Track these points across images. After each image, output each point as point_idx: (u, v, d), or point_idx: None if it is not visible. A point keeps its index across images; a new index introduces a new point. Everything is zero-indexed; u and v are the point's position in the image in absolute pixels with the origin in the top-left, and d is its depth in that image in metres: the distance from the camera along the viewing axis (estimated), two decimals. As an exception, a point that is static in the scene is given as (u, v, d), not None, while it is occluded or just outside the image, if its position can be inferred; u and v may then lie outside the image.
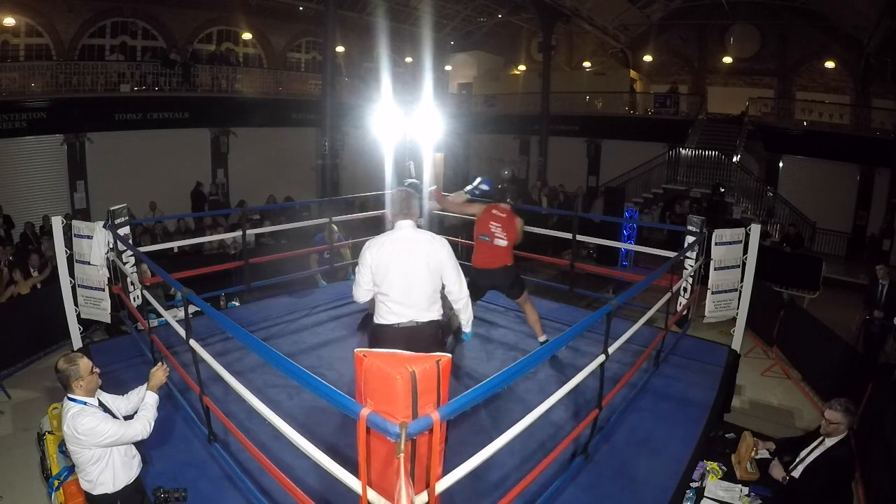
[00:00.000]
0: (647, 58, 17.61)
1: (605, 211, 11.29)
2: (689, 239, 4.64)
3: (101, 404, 2.44)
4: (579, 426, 2.84)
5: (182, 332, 2.95)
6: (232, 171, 14.01)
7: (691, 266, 4.58)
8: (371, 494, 1.64)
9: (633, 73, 17.57)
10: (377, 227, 7.49)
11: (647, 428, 3.40)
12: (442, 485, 1.68)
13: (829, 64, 14.77)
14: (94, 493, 2.43)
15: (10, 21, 11.66)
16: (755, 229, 4.32)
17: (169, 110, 12.75)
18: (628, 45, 17.79)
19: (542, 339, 4.34)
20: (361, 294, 2.80)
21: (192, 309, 2.91)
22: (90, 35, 12.80)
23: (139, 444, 2.52)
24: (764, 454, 3.37)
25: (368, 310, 2.84)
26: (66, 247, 4.13)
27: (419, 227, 2.82)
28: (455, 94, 20.67)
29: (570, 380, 2.51)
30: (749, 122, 14.36)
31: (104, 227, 4.21)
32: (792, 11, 14.48)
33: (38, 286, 6.98)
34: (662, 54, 17.52)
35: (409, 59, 18.68)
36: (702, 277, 4.74)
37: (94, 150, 11.95)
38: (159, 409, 2.56)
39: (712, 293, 4.55)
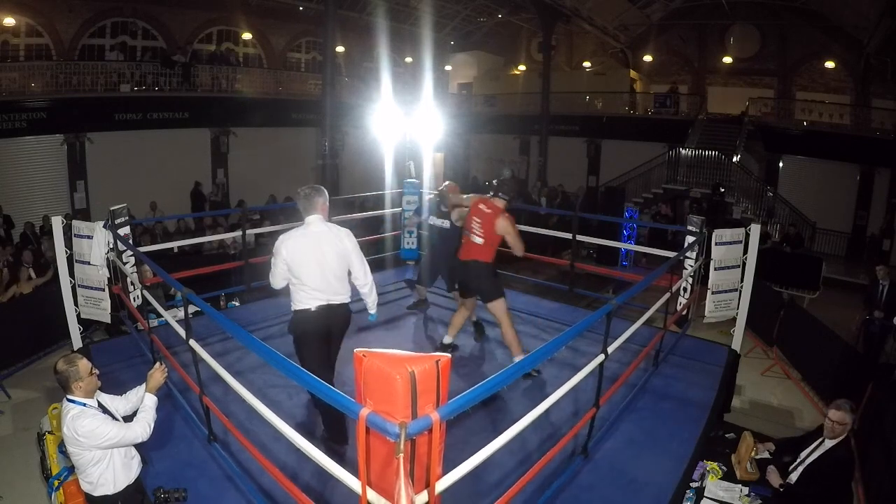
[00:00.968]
0: (647, 58, 17.61)
1: (604, 210, 11.32)
2: (690, 239, 4.64)
3: (100, 405, 2.44)
4: (577, 426, 2.84)
5: (182, 332, 2.95)
6: (232, 171, 14.02)
7: (691, 266, 4.58)
8: (371, 494, 1.63)
9: (633, 73, 17.57)
10: (377, 226, 7.51)
11: (648, 428, 3.40)
12: (442, 485, 1.68)
13: (829, 64, 14.77)
14: (95, 494, 2.42)
15: (10, 21, 11.66)
16: (755, 229, 4.32)
17: (169, 110, 12.75)
18: (628, 45, 17.79)
19: (516, 358, 3.84)
20: (278, 282, 3.11)
21: (192, 309, 2.91)
22: (90, 35, 12.80)
23: (139, 445, 2.51)
24: (764, 454, 3.37)
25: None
26: (66, 247, 4.12)
27: (329, 220, 3.11)
28: (455, 94, 20.67)
29: (569, 379, 2.51)
30: (749, 122, 14.36)
31: (104, 227, 4.21)
32: (792, 11, 14.48)
33: (38, 285, 7.00)
34: (662, 54, 17.52)
35: (409, 59, 18.68)
36: (702, 277, 4.74)
37: (94, 150, 11.96)
38: (159, 409, 2.56)
39: (712, 293, 4.55)
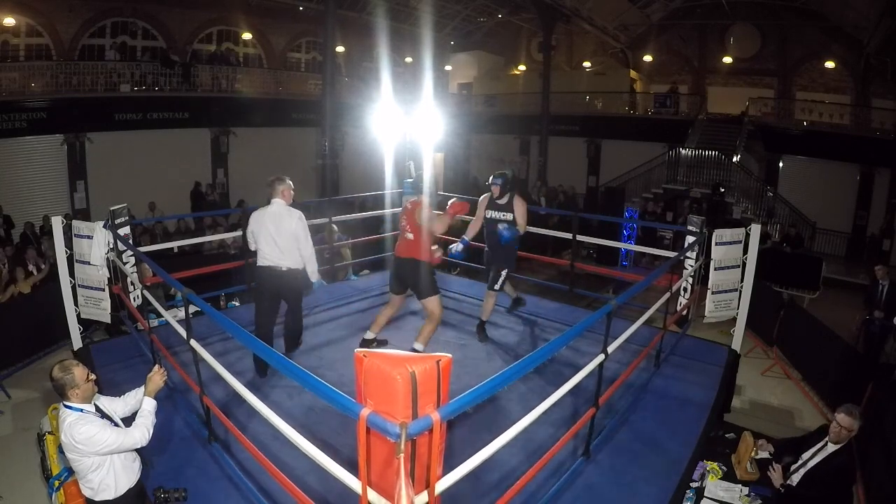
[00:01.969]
0: (647, 58, 17.61)
1: (604, 211, 11.38)
2: (690, 239, 4.64)
3: (98, 409, 2.41)
4: (576, 425, 2.84)
5: (182, 332, 2.95)
6: (232, 171, 14.02)
7: (691, 266, 4.58)
8: (371, 495, 1.64)
9: (633, 73, 17.57)
10: (377, 226, 7.51)
11: (648, 428, 3.40)
12: (442, 485, 1.69)
13: (829, 64, 14.77)
14: (97, 499, 2.40)
15: (10, 21, 11.65)
16: (755, 229, 4.32)
17: (169, 110, 12.75)
18: (628, 45, 17.79)
19: (417, 346, 3.99)
20: (251, 245, 3.95)
21: (192, 309, 2.91)
22: (90, 35, 12.80)
23: (139, 448, 2.51)
24: (764, 454, 3.37)
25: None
26: (66, 247, 4.12)
27: (289, 205, 3.86)
28: (455, 94, 20.67)
29: (569, 379, 2.51)
30: (749, 122, 14.36)
31: (104, 227, 4.21)
32: (792, 11, 14.48)
33: (37, 284, 7.00)
34: (662, 54, 17.52)
35: (409, 59, 18.68)
36: (702, 277, 4.74)
37: (94, 150, 11.96)
38: (159, 410, 2.55)
39: (712, 293, 4.55)
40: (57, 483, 3.26)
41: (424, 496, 1.62)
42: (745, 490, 3.15)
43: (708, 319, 4.64)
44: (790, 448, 3.33)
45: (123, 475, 2.44)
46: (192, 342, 2.84)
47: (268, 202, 3.86)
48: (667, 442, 3.26)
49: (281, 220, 3.78)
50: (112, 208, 4.38)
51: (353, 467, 1.73)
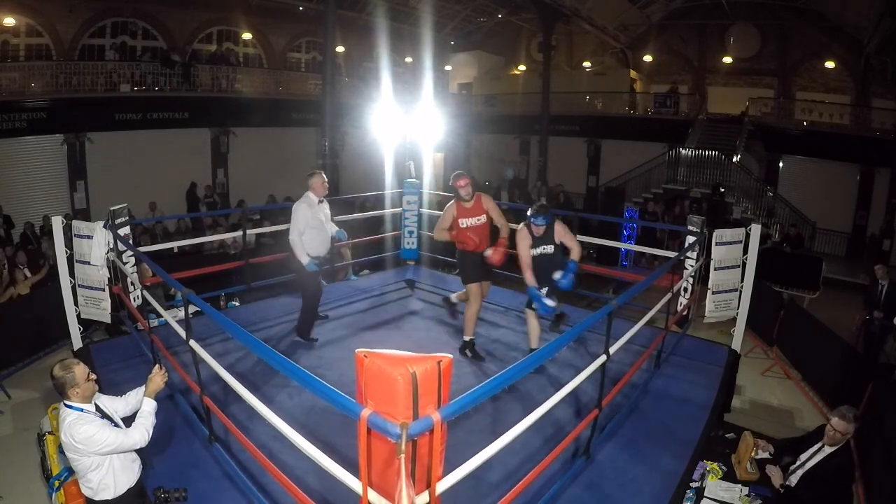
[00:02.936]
0: (647, 58, 17.60)
1: (604, 211, 11.43)
2: (690, 239, 4.64)
3: (98, 409, 2.41)
4: (579, 426, 2.84)
5: (182, 332, 2.95)
6: (232, 171, 14.01)
7: (692, 266, 4.58)
8: (371, 495, 1.64)
9: (633, 73, 17.56)
10: (377, 226, 7.51)
11: (648, 428, 3.40)
12: (443, 485, 1.68)
13: (829, 64, 14.76)
14: (96, 499, 2.40)
15: (10, 21, 11.65)
16: (755, 229, 4.32)
17: (169, 110, 12.74)
18: (628, 45, 17.79)
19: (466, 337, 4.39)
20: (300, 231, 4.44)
21: (192, 309, 2.90)
22: (90, 35, 12.79)
23: (139, 448, 2.50)
24: (764, 454, 3.36)
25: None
26: (66, 247, 4.12)
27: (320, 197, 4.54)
28: (455, 94, 20.66)
29: (571, 380, 2.51)
30: (749, 122, 14.35)
31: (104, 227, 4.20)
32: (792, 11, 14.47)
33: (34, 283, 6.99)
34: (662, 54, 17.51)
35: (409, 59, 18.67)
36: (702, 277, 4.74)
37: (94, 150, 11.95)
38: (159, 410, 2.55)
39: (712, 293, 4.55)
40: (57, 483, 3.26)
41: (425, 496, 1.62)
42: (745, 490, 3.14)
43: (708, 319, 4.64)
44: (790, 448, 3.33)
45: (123, 475, 2.44)
46: (192, 342, 2.84)
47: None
48: (667, 442, 3.26)
49: (322, 208, 4.55)
50: (112, 208, 4.37)
51: (353, 468, 1.72)
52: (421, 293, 5.90)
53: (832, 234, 12.98)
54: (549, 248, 3.98)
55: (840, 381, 5.43)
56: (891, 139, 12.40)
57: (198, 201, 12.72)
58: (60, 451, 3.41)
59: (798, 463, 3.14)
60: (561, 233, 3.99)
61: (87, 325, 4.90)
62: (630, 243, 9.68)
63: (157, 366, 2.61)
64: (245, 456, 2.86)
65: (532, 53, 19.92)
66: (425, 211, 6.32)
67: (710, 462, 3.34)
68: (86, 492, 2.42)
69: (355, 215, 7.02)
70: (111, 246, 4.25)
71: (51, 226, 4.08)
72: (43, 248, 8.18)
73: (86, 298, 4.30)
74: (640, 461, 3.08)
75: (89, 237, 4.19)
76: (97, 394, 2.47)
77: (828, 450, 3.05)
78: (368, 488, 1.63)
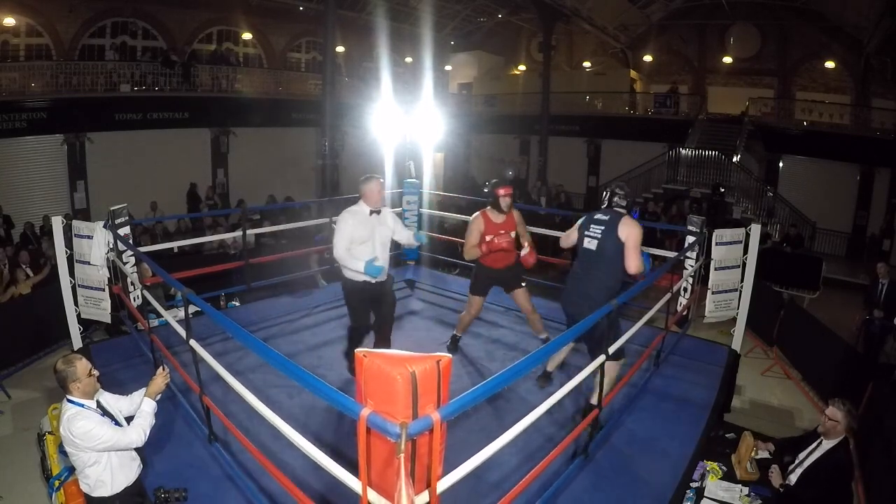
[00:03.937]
0: (647, 58, 17.60)
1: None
2: (690, 239, 4.64)
3: (100, 406, 2.43)
4: (579, 426, 2.84)
5: (182, 332, 2.94)
6: (232, 171, 14.01)
7: (691, 266, 4.58)
8: (371, 495, 1.63)
9: (633, 73, 17.56)
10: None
11: (648, 428, 3.40)
12: (442, 485, 1.68)
13: (829, 64, 14.77)
14: (93, 495, 2.42)
15: (10, 21, 11.65)
16: (755, 229, 4.32)
17: (169, 110, 12.75)
18: (628, 45, 17.79)
19: (541, 335, 4.37)
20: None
21: (192, 309, 2.90)
22: (90, 35, 12.80)
23: (139, 447, 2.51)
24: (764, 454, 3.36)
25: None
26: (66, 247, 4.12)
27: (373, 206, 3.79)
28: (455, 94, 20.67)
29: (570, 380, 2.51)
30: (749, 122, 14.35)
31: (104, 227, 4.20)
32: (792, 11, 14.47)
33: (35, 283, 6.99)
34: (662, 54, 17.51)
35: (409, 59, 18.67)
36: (702, 277, 4.74)
37: (94, 150, 11.95)
38: (159, 410, 2.55)
39: (712, 293, 4.55)
40: (57, 483, 3.26)
41: (425, 496, 1.62)
42: (745, 490, 3.14)
43: (708, 319, 4.64)
44: (790, 448, 3.34)
45: (120, 473, 2.45)
46: (192, 342, 2.84)
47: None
48: (667, 442, 3.26)
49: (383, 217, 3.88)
50: (112, 208, 4.37)
51: (353, 467, 1.72)
52: (421, 293, 5.90)
53: (832, 234, 12.98)
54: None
55: (840, 380, 5.42)
56: (891, 139, 12.40)
57: (199, 202, 12.73)
58: (60, 450, 3.41)
59: (797, 462, 3.15)
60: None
61: (87, 325, 4.90)
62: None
63: (161, 367, 2.62)
64: (245, 456, 2.85)
65: (532, 53, 19.92)
66: (425, 211, 6.36)
67: (710, 462, 3.34)
68: (83, 487, 2.44)
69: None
70: (111, 246, 4.25)
71: (51, 226, 4.07)
72: (43, 248, 8.18)
73: (86, 298, 4.30)
74: (639, 461, 3.08)
75: (89, 237, 4.18)
76: (101, 391, 2.49)
77: (826, 444, 3.07)
78: (368, 488, 1.63)
